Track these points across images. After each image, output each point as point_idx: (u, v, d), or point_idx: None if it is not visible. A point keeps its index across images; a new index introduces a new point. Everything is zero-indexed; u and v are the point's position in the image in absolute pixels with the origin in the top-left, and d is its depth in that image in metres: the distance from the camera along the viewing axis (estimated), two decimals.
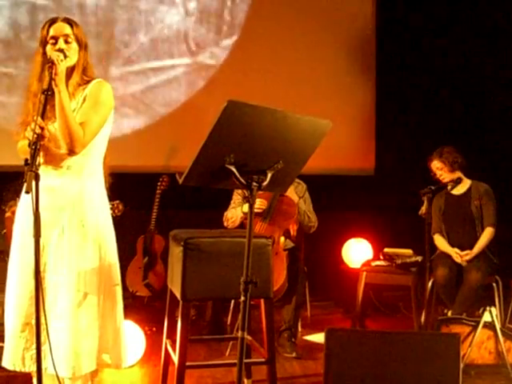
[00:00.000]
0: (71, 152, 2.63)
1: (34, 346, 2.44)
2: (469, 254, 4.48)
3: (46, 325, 2.53)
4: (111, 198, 2.95)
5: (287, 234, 4.52)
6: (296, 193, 4.57)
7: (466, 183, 4.70)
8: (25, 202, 2.72)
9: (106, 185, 2.89)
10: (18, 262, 2.71)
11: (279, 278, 4.10)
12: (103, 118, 2.76)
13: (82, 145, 2.64)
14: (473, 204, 4.61)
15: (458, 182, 4.63)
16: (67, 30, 2.71)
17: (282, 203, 4.48)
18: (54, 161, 2.71)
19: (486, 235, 4.55)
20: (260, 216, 4.38)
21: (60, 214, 2.69)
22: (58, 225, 2.69)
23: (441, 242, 4.67)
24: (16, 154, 2.76)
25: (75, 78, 2.74)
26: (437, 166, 4.63)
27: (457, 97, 6.17)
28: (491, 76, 6.10)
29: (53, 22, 2.73)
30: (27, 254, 2.60)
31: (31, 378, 2.78)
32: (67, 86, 2.68)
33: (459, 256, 4.49)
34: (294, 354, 4.20)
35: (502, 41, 6.07)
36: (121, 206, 4.06)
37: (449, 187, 4.61)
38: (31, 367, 2.69)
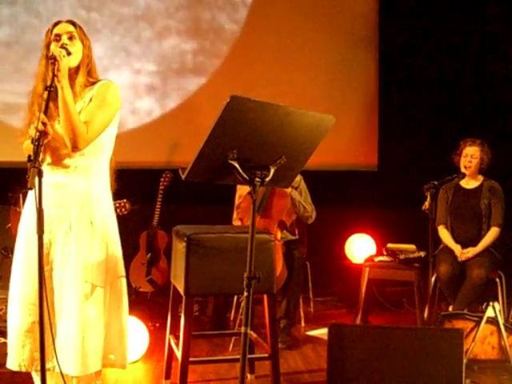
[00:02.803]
0: (74, 148, 2.63)
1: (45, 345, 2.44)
2: (470, 252, 4.47)
3: (51, 323, 2.54)
4: (117, 195, 2.95)
5: (283, 226, 4.53)
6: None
7: (479, 179, 4.69)
8: (31, 199, 2.72)
9: (112, 189, 2.89)
10: (24, 260, 2.71)
11: (276, 268, 4.11)
12: (108, 118, 2.76)
13: (86, 141, 2.64)
14: (483, 201, 4.59)
15: (462, 176, 4.62)
16: (71, 28, 2.74)
17: (274, 195, 4.49)
18: (61, 161, 2.71)
19: (491, 235, 4.54)
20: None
21: (68, 211, 2.70)
22: (65, 222, 2.69)
23: (445, 235, 4.66)
24: (22, 151, 2.76)
25: (81, 77, 2.74)
26: (473, 154, 4.58)
27: (461, 94, 6.14)
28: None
29: (56, 23, 2.76)
30: (33, 250, 2.60)
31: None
32: (74, 85, 2.69)
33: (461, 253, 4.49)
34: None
35: None
36: (128, 205, 4.07)
37: (457, 179, 4.62)
38: (39, 367, 2.68)
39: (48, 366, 2.61)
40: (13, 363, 2.71)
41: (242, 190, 4.60)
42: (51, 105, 2.52)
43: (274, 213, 4.47)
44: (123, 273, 2.86)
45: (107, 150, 2.84)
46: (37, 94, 2.71)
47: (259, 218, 4.43)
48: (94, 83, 2.79)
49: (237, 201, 4.74)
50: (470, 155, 4.59)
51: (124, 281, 2.85)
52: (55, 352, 2.55)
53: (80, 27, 2.77)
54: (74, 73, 2.72)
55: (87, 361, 2.65)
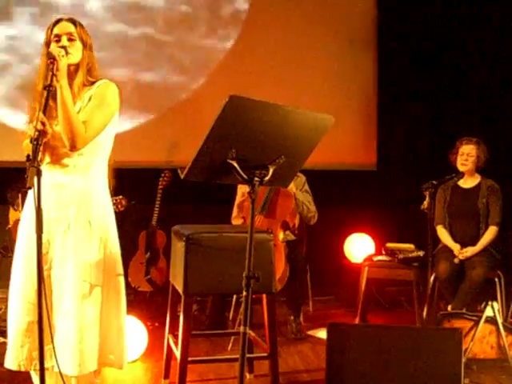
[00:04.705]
0: (73, 148, 2.63)
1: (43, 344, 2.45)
2: (469, 252, 4.47)
3: (50, 323, 2.53)
4: (114, 193, 2.96)
5: (286, 226, 4.54)
6: (295, 185, 4.59)
7: (476, 178, 4.70)
8: (31, 199, 2.72)
9: (110, 187, 2.90)
10: (23, 259, 2.71)
11: (278, 269, 4.13)
12: (107, 117, 2.75)
13: (84, 141, 2.64)
14: (480, 200, 4.60)
15: (461, 176, 4.63)
16: (71, 28, 2.72)
17: (279, 195, 4.50)
18: (60, 160, 2.71)
19: (490, 234, 4.54)
20: (257, 209, 4.42)
21: (66, 211, 2.70)
22: (63, 221, 2.69)
23: (443, 235, 4.67)
24: (21, 150, 2.76)
25: (80, 77, 2.74)
26: (469, 152, 4.59)
27: (460, 93, 6.14)
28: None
29: (57, 21, 2.74)
30: (32, 250, 2.59)
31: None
32: (72, 85, 2.69)
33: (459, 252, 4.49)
34: (298, 335, 4.45)
35: None
36: (124, 202, 4.08)
37: (455, 179, 4.64)
38: (38, 366, 2.68)
39: (47, 365, 2.61)
40: (12, 362, 2.70)
41: (245, 188, 4.60)
42: (51, 104, 2.52)
43: (278, 213, 4.48)
44: (121, 272, 2.86)
45: (106, 150, 2.84)
46: (37, 92, 2.71)
47: (263, 217, 4.44)
48: (93, 83, 2.78)
49: (239, 198, 4.74)
50: (467, 153, 4.60)
51: (122, 280, 2.85)
52: (54, 351, 2.55)
53: (81, 25, 2.76)
54: (73, 72, 2.72)
55: (85, 360, 2.65)
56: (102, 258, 2.74)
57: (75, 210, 2.70)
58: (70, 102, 2.60)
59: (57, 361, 2.56)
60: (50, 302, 2.62)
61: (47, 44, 2.72)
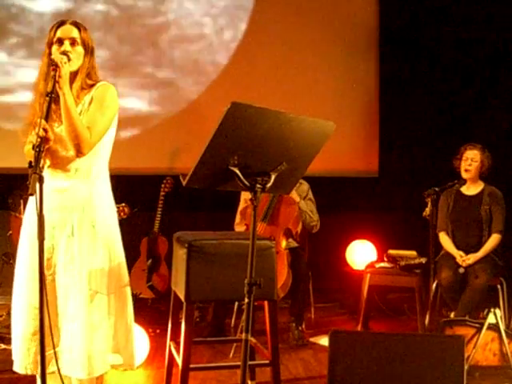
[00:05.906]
0: (79, 153, 2.65)
1: (48, 348, 2.46)
2: (471, 259, 4.47)
3: (51, 327, 2.54)
4: (116, 200, 2.96)
5: (288, 234, 4.54)
6: (297, 192, 4.59)
7: (480, 185, 4.69)
8: (32, 204, 2.73)
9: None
10: (27, 265, 2.71)
11: (280, 276, 4.13)
12: (109, 120, 2.77)
13: (90, 146, 2.66)
14: (483, 207, 4.59)
15: (463, 183, 4.64)
16: (74, 33, 2.72)
17: (282, 203, 4.50)
18: (62, 164, 2.72)
19: (493, 241, 4.54)
20: (259, 216, 4.42)
21: (70, 216, 2.71)
22: (67, 226, 2.70)
23: (446, 242, 4.66)
24: (23, 157, 2.76)
25: (78, 82, 2.74)
26: (473, 157, 4.59)
27: (462, 100, 6.14)
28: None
29: (61, 24, 2.73)
30: (36, 255, 2.58)
31: (35, 380, 2.79)
32: (71, 89, 2.68)
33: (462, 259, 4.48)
34: (300, 342, 4.41)
35: None
36: (127, 209, 4.08)
37: (457, 185, 4.64)
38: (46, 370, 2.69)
39: (53, 369, 2.63)
40: (19, 366, 2.73)
41: (248, 195, 4.60)
42: (52, 106, 2.52)
43: (280, 220, 4.48)
44: (127, 275, 2.87)
45: (107, 152, 2.85)
46: (38, 92, 2.72)
47: (265, 225, 4.44)
48: (91, 86, 2.79)
49: (242, 205, 4.74)
50: (471, 158, 4.60)
51: (128, 290, 2.87)
52: (55, 355, 2.56)
53: (84, 29, 2.76)
54: (72, 77, 2.71)
55: (94, 363, 2.67)
56: (107, 262, 2.76)
57: (79, 214, 2.71)
58: (74, 108, 2.61)
59: (57, 363, 2.57)
60: (54, 307, 2.65)
61: (49, 45, 2.72)
